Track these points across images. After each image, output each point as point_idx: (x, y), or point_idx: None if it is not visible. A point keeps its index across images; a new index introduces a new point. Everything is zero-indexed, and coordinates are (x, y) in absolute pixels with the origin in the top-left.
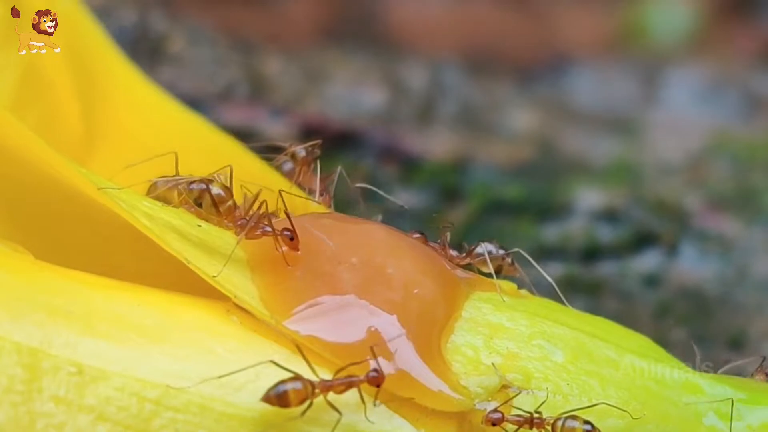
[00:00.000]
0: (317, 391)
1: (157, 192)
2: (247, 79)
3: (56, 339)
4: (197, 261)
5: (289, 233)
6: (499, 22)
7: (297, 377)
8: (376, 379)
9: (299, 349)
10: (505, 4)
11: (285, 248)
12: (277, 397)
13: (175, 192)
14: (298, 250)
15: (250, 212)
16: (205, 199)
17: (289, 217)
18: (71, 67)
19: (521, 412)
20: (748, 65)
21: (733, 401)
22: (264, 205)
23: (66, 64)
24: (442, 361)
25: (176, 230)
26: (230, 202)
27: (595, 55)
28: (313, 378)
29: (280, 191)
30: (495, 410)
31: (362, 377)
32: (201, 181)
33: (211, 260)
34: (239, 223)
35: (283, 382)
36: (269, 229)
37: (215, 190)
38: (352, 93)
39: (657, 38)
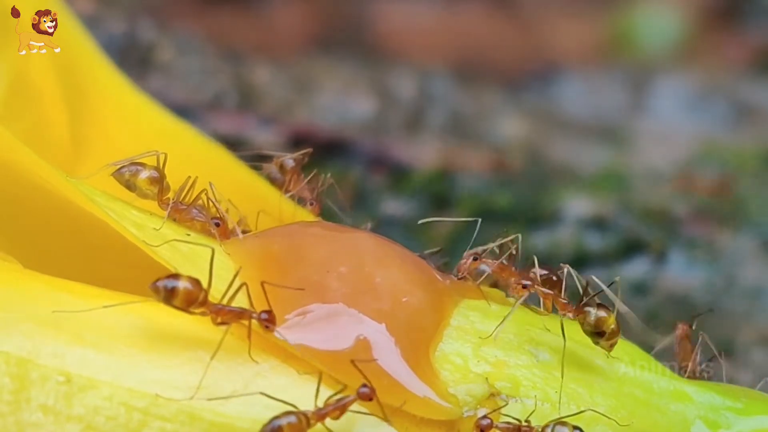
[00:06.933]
0: (312, 421)
1: (126, 179)
2: (236, 88)
3: (44, 349)
4: (187, 270)
5: (217, 219)
6: (487, 31)
7: (290, 411)
8: (368, 395)
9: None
10: (494, 13)
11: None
12: None
13: (136, 179)
14: (227, 237)
15: (184, 199)
16: (138, 181)
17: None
18: (60, 76)
19: (510, 420)
20: (736, 74)
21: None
22: (201, 193)
23: (54, 73)
24: (430, 369)
25: (165, 239)
26: (165, 183)
27: (584, 63)
28: (308, 408)
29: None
30: (485, 416)
31: (353, 397)
32: (132, 164)
33: (200, 269)
34: (171, 205)
35: (276, 417)
36: (200, 215)
37: (146, 173)
38: (341, 102)
39: (645, 47)
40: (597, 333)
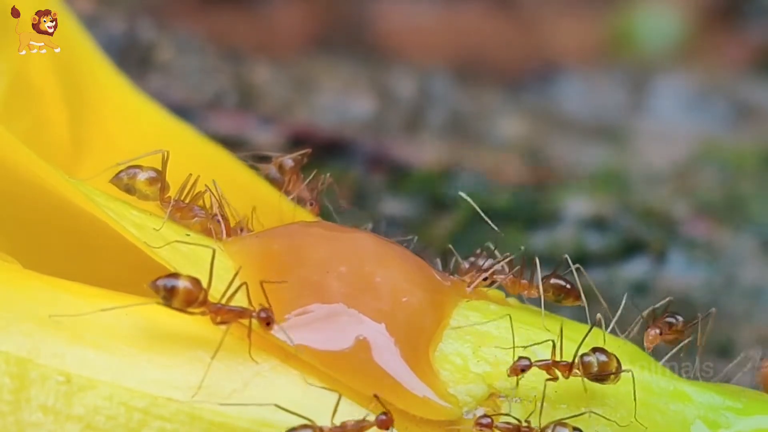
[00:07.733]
0: None
1: (124, 184)
2: (236, 88)
3: (44, 348)
4: (186, 270)
5: (219, 217)
6: (487, 31)
7: (307, 425)
8: (385, 423)
9: None
10: (494, 13)
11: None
12: None
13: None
14: (229, 234)
15: (184, 198)
16: (137, 184)
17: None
18: (60, 76)
19: (510, 420)
20: (736, 73)
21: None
22: (204, 193)
23: (54, 73)
24: (430, 369)
25: (165, 240)
26: (163, 183)
27: (584, 63)
28: (326, 423)
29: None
30: (485, 416)
31: (372, 421)
32: (128, 168)
33: (200, 269)
34: (172, 204)
35: (293, 429)
36: (202, 213)
37: (144, 174)
38: (341, 102)
39: (645, 47)
40: (604, 376)
